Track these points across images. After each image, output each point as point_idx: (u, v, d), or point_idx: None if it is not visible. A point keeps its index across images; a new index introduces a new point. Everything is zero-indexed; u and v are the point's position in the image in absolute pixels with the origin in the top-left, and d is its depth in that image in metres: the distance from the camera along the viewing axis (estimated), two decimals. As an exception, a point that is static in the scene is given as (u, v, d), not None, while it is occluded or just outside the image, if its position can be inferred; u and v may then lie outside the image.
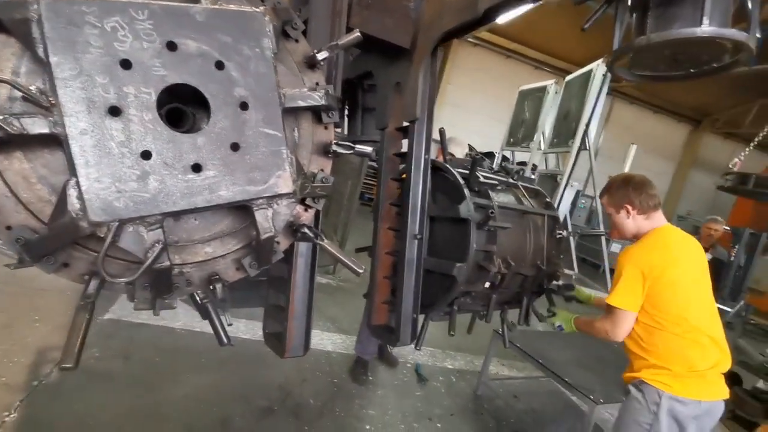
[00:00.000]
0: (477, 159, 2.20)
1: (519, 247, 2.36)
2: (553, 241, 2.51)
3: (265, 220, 1.10)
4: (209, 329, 4.53)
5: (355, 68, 2.44)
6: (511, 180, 2.60)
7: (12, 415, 2.76)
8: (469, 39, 16.71)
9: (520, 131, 12.74)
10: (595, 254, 13.14)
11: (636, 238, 2.54)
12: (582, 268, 12.74)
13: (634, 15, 1.59)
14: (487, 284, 2.24)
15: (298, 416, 3.37)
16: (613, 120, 19.55)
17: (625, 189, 2.51)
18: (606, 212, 2.72)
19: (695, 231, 13.83)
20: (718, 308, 2.46)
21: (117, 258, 1.01)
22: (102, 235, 0.90)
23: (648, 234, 2.48)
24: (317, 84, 1.24)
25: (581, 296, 2.72)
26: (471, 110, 17.78)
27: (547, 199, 2.62)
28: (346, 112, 2.83)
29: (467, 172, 2.23)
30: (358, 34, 1.24)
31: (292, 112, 1.18)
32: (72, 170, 0.85)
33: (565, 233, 2.53)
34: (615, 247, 14.95)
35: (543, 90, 11.78)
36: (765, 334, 5.49)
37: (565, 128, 10.93)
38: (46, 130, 0.83)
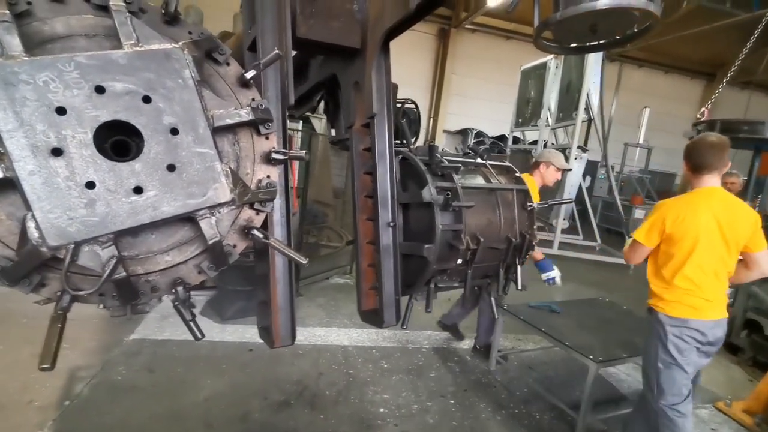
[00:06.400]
0: (433, 146, 2.33)
1: (489, 223, 2.48)
2: (525, 213, 2.63)
3: (210, 227, 1.25)
4: (229, 338, 4.80)
5: (322, 72, 2.59)
6: (479, 160, 2.72)
7: (45, 433, 3.03)
8: (467, 26, 16.61)
9: (527, 110, 12.73)
10: (620, 224, 12.95)
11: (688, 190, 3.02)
12: (607, 239, 12.74)
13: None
14: (459, 261, 2.37)
15: (314, 406, 3.56)
16: (623, 86, 19.17)
17: (690, 146, 2.93)
18: None
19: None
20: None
21: (90, 275, 1.18)
22: (62, 257, 1.07)
23: (689, 192, 2.95)
24: (253, 100, 1.38)
25: None
26: (478, 97, 17.73)
27: (517, 174, 2.73)
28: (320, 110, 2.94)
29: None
30: (278, 52, 1.38)
31: (229, 130, 1.33)
32: (27, 205, 1.02)
33: (535, 205, 2.64)
34: (639, 213, 14.87)
35: (544, 66, 11.75)
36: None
37: (569, 101, 10.90)
38: (0, 176, 0.99)
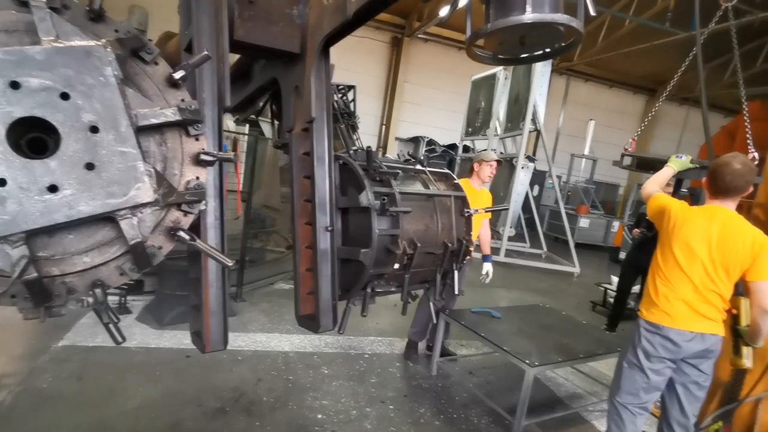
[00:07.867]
0: (370, 151, 2.35)
1: (426, 229, 2.53)
2: (462, 219, 2.70)
3: (131, 228, 1.22)
4: (166, 344, 4.68)
5: (263, 76, 2.57)
6: (419, 166, 2.77)
7: (-37, 443, 2.86)
8: (419, 35, 16.89)
9: (478, 120, 13.04)
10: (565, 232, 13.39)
11: None
12: (553, 247, 13.14)
13: (485, 4, 1.76)
14: (396, 266, 2.40)
15: (251, 413, 3.51)
16: (570, 99, 19.98)
17: (714, 168, 2.83)
18: None
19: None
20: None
21: (2, 276, 1.13)
22: None
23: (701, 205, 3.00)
24: (182, 100, 1.36)
25: None
26: (430, 105, 18.10)
27: (455, 181, 2.80)
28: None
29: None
30: (206, 53, 1.37)
31: (156, 130, 1.31)
32: None
33: (471, 211, 2.72)
34: (584, 222, 15.45)
35: (493, 77, 12.07)
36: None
37: (517, 111, 11.25)
38: None
